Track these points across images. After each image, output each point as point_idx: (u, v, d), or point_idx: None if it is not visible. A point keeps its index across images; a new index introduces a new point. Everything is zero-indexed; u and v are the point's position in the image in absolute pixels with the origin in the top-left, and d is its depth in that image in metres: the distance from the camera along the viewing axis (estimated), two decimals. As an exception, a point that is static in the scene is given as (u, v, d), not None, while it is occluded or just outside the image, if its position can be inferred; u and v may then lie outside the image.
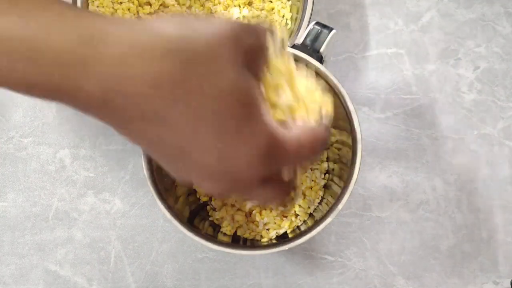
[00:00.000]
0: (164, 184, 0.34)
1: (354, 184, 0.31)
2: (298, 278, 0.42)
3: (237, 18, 0.41)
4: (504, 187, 0.43)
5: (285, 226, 0.37)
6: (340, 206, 0.31)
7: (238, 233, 0.38)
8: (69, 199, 0.44)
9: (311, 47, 0.33)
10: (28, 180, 0.44)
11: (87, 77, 0.17)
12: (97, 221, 0.44)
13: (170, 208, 0.32)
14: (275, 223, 0.37)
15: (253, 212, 0.37)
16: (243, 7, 0.43)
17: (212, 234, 0.37)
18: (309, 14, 0.38)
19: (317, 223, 0.32)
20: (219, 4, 0.43)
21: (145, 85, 0.17)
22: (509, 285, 0.42)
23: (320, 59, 0.34)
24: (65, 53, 0.17)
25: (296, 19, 0.40)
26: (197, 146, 0.18)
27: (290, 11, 0.43)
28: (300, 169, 0.23)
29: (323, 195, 0.39)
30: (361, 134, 0.32)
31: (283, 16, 0.43)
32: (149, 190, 0.32)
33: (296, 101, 0.22)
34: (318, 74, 0.33)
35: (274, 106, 0.21)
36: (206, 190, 0.20)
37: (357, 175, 0.32)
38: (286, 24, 0.43)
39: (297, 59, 0.32)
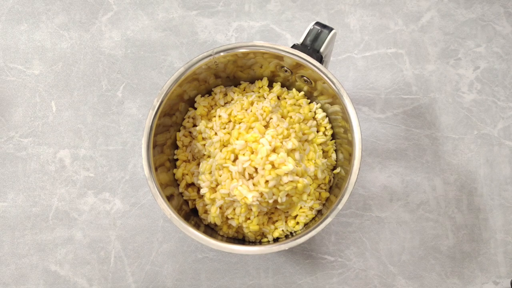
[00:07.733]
0: (163, 184, 0.34)
1: (354, 184, 0.31)
2: (298, 278, 0.42)
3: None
4: (504, 187, 0.43)
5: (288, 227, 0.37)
6: (340, 206, 0.31)
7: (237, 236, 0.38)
8: (69, 199, 0.44)
9: (311, 47, 0.33)
10: (28, 180, 0.44)
11: None
12: (97, 221, 0.44)
13: (170, 207, 0.32)
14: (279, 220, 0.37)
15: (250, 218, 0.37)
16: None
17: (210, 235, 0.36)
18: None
19: (317, 223, 0.32)
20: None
21: None
22: (509, 285, 0.42)
23: (320, 59, 0.33)
24: None
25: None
26: None
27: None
28: None
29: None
30: (361, 134, 0.32)
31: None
32: (149, 190, 0.32)
33: None
34: (318, 74, 0.33)
35: None
36: None
37: (357, 175, 0.32)
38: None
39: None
